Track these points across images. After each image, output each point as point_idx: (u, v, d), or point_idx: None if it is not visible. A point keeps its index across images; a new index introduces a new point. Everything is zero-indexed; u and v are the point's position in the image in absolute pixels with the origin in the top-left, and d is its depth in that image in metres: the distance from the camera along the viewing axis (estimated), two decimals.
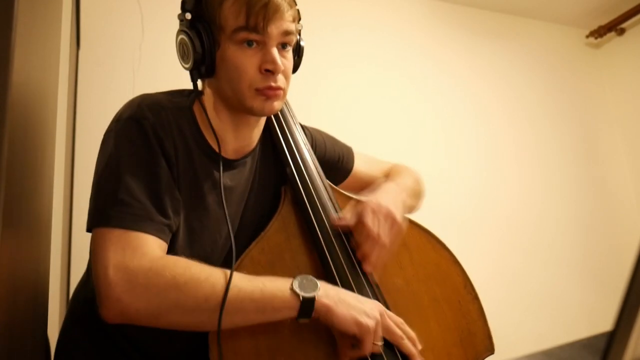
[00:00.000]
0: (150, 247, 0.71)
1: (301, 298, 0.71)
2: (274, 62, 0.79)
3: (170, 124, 0.80)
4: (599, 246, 2.65)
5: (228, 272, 0.71)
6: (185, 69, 0.84)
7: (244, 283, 0.71)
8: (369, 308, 0.75)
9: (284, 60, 0.82)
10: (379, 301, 0.80)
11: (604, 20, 2.87)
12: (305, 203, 0.88)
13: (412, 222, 0.94)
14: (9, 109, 0.38)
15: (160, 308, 0.68)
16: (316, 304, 0.71)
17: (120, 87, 1.81)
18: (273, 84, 0.80)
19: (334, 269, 0.82)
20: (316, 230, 0.85)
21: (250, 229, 0.89)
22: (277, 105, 0.83)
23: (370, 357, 0.74)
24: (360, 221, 0.85)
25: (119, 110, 0.82)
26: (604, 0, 2.71)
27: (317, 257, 0.85)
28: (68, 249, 1.52)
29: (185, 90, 0.89)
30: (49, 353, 0.86)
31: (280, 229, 0.87)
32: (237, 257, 0.81)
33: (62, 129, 1.26)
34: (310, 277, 0.74)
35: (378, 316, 0.74)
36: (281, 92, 0.82)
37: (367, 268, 0.84)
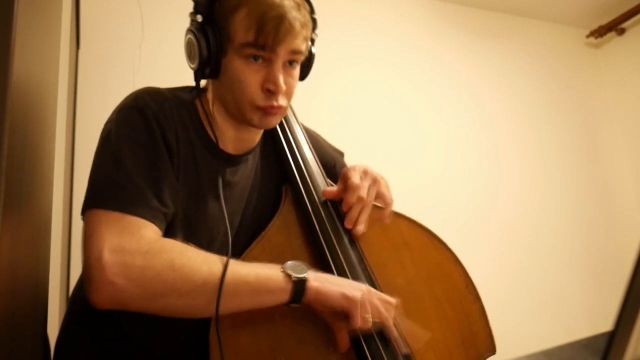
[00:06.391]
0: (147, 231, 0.71)
1: (294, 278, 0.72)
2: (276, 83, 0.78)
3: (172, 115, 0.80)
4: (599, 246, 2.65)
5: (223, 257, 0.72)
6: (191, 68, 0.84)
7: (239, 267, 0.72)
8: (356, 284, 0.77)
9: (288, 79, 0.81)
10: None
11: (604, 20, 2.87)
12: (305, 202, 0.88)
13: (413, 222, 0.94)
14: (9, 109, 0.38)
15: (155, 291, 0.67)
16: (307, 285, 0.73)
17: (120, 87, 1.80)
18: (275, 104, 0.80)
19: (335, 270, 0.82)
20: (317, 231, 0.85)
21: (251, 227, 0.89)
22: (275, 120, 0.83)
23: (364, 342, 0.76)
24: (350, 185, 0.87)
25: (120, 102, 0.81)
26: (603, 0, 2.71)
27: (318, 258, 0.85)
28: (68, 248, 1.52)
29: (187, 87, 0.89)
30: (49, 352, 0.86)
31: (281, 228, 0.87)
32: (236, 254, 0.81)
33: (62, 128, 1.26)
34: (300, 262, 0.76)
35: (365, 290, 0.76)
36: (281, 109, 0.82)
37: (350, 226, 0.87)
